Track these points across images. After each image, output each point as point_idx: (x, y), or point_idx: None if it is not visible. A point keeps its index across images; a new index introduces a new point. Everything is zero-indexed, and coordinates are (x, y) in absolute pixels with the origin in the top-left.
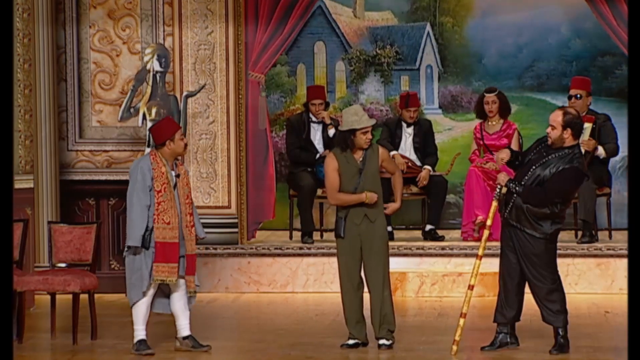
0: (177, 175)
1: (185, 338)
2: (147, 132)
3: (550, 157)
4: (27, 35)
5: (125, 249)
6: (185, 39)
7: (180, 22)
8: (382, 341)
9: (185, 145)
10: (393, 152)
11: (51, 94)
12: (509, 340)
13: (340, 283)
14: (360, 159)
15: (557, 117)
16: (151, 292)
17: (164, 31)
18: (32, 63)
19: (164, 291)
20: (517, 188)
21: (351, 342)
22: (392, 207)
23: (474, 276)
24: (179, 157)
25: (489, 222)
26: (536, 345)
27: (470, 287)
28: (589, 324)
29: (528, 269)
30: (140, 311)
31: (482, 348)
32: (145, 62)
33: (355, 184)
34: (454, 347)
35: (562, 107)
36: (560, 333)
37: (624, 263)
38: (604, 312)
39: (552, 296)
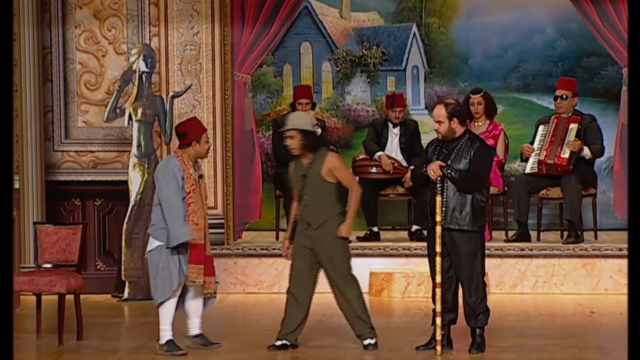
0: (200, 176)
1: (195, 336)
2: (169, 130)
3: (456, 149)
4: (13, 35)
5: (172, 248)
6: (171, 40)
7: (166, 23)
8: (367, 341)
9: (209, 148)
10: (379, 153)
11: (37, 95)
12: (444, 342)
13: (290, 283)
14: (307, 163)
15: (440, 112)
16: (179, 292)
17: (149, 31)
18: (18, 63)
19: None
20: (452, 174)
21: (278, 343)
22: (342, 228)
23: (438, 273)
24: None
25: (438, 218)
26: (522, 345)
27: (438, 285)
28: (575, 324)
29: (458, 264)
30: (168, 312)
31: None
32: (131, 63)
33: (300, 189)
34: (438, 348)
35: (440, 101)
36: (477, 332)
37: (609, 263)
38: (589, 312)
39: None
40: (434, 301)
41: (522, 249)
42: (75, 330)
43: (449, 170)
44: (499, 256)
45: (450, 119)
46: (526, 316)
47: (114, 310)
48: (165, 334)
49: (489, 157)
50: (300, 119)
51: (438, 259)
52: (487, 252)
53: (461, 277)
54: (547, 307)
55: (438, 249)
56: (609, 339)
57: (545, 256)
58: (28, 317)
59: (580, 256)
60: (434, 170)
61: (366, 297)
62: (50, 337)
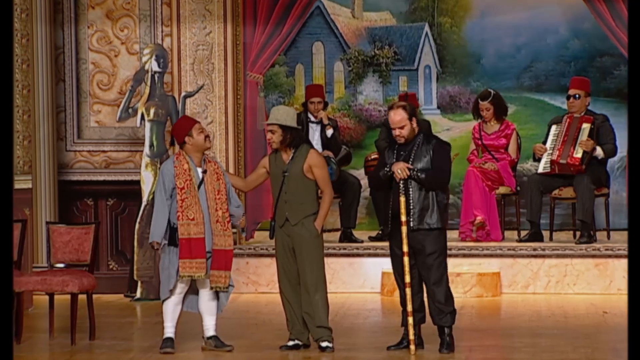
0: (204, 172)
1: (209, 338)
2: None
3: (414, 150)
4: (26, 35)
5: (172, 246)
6: (184, 40)
7: (179, 23)
8: (324, 343)
9: (207, 137)
10: None
11: (49, 95)
12: (417, 342)
13: (279, 284)
14: (288, 160)
15: (402, 116)
16: (180, 290)
17: (162, 31)
18: (31, 63)
19: (195, 289)
20: (419, 174)
21: (290, 343)
22: (316, 224)
23: (407, 273)
24: (207, 152)
25: (403, 218)
26: (534, 344)
27: (407, 285)
28: (588, 325)
29: (425, 264)
30: (168, 309)
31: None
32: (143, 63)
33: (280, 187)
34: (412, 347)
35: (398, 105)
36: (446, 332)
37: (622, 263)
38: (602, 312)
39: (441, 289)
40: (401, 304)
41: (535, 249)
42: (88, 330)
43: (415, 172)
44: (512, 256)
45: (410, 119)
46: (539, 316)
47: (126, 310)
48: (165, 331)
49: (446, 151)
50: (285, 115)
51: (406, 259)
52: (499, 251)
53: (428, 276)
54: (560, 307)
55: (405, 248)
56: (621, 339)
57: (558, 256)
58: (41, 316)
59: (592, 256)
60: (401, 169)
61: (378, 297)
62: (63, 337)
